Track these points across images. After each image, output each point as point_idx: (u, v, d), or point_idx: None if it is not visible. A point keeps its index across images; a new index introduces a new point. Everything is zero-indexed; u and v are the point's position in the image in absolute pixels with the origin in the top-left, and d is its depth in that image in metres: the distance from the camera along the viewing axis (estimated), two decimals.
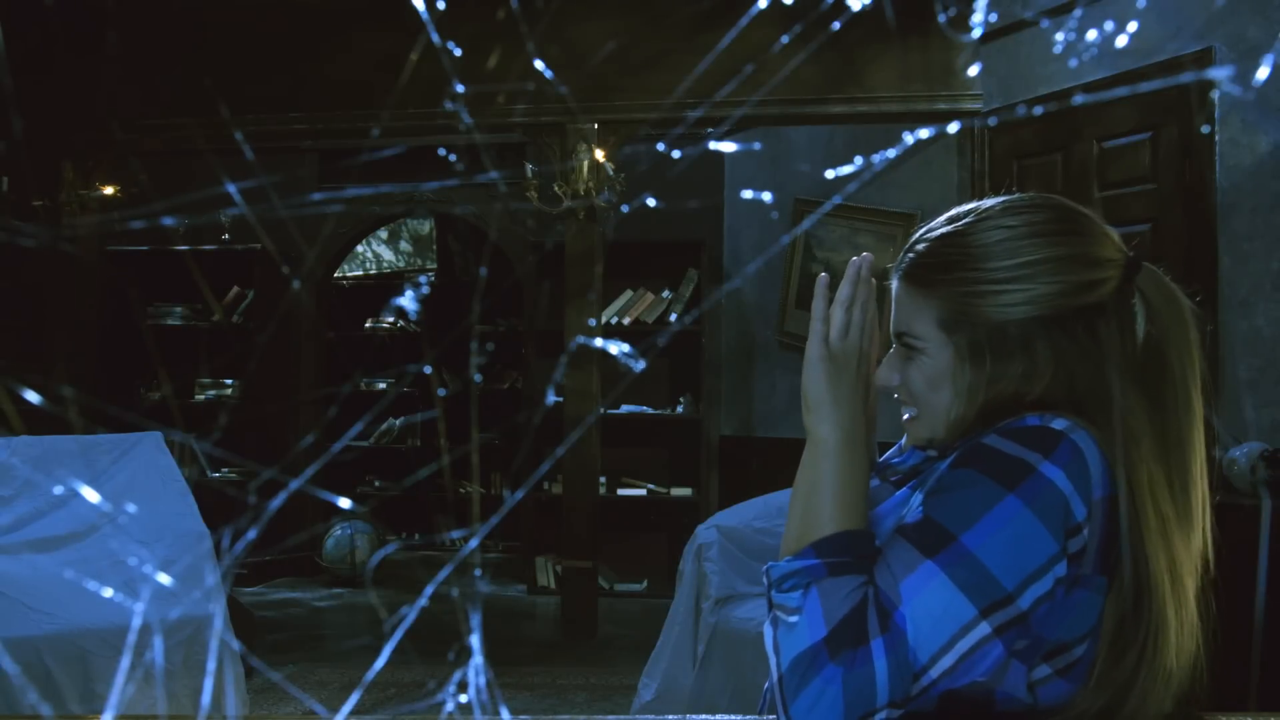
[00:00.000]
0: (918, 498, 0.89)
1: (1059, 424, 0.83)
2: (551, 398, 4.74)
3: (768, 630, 0.82)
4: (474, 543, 0.77)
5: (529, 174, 4.47)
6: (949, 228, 0.92)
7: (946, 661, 0.77)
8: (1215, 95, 3.18)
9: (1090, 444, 0.83)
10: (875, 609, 0.78)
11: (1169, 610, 0.81)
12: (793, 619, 0.80)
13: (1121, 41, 3.34)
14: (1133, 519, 0.81)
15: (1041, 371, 0.87)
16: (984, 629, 0.77)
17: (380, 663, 0.75)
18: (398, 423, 6.86)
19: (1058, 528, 0.79)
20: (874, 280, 0.92)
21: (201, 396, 5.77)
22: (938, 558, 0.79)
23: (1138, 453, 0.82)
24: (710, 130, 4.21)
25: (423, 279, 6.98)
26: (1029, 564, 0.78)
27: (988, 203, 0.93)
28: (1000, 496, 0.79)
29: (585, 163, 4.31)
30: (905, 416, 0.98)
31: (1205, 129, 3.17)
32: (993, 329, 0.88)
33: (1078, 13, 3.51)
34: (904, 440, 1.03)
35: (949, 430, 0.92)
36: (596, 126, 4.35)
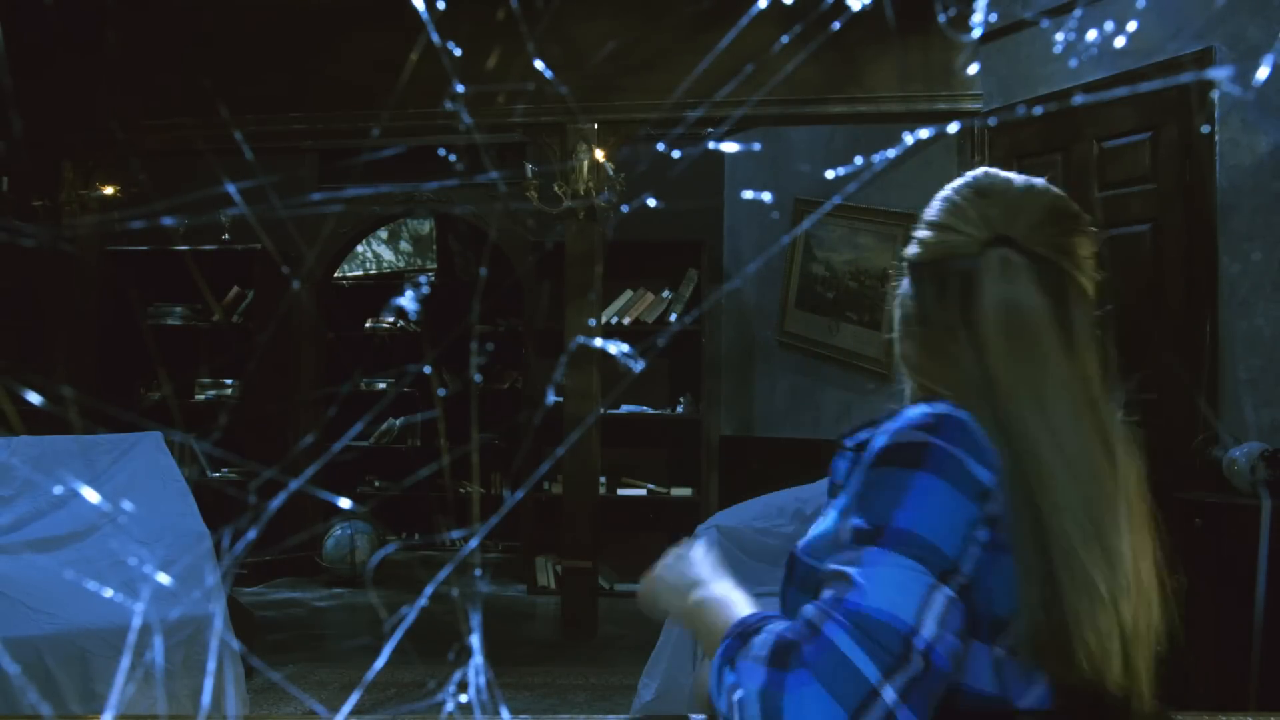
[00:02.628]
0: (842, 499, 0.93)
1: (939, 407, 0.87)
2: (551, 398, 4.74)
3: None
4: (474, 543, 0.77)
5: (529, 174, 4.47)
6: None
7: (931, 620, 0.75)
8: (1215, 95, 3.18)
9: (971, 418, 0.86)
10: (814, 611, 0.76)
11: (1064, 579, 0.82)
12: (737, 694, 0.75)
13: (1121, 42, 3.34)
14: (1022, 483, 0.83)
15: (924, 312, 0.97)
16: (947, 591, 0.77)
17: (380, 663, 0.75)
18: (398, 423, 6.86)
19: (970, 491, 0.82)
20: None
21: (201, 396, 5.77)
22: (880, 542, 0.79)
23: (1003, 412, 0.85)
24: (710, 130, 4.21)
25: (423, 279, 6.98)
26: (958, 529, 0.80)
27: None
28: (912, 476, 0.82)
29: (585, 163, 4.31)
30: None
31: (1205, 129, 3.17)
32: (907, 261, 1.00)
33: (1078, 13, 3.51)
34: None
35: (902, 364, 1.01)
36: (596, 126, 4.35)
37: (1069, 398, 0.86)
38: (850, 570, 0.78)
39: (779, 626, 0.78)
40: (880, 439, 0.87)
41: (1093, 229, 0.95)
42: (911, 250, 0.98)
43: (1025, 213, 0.92)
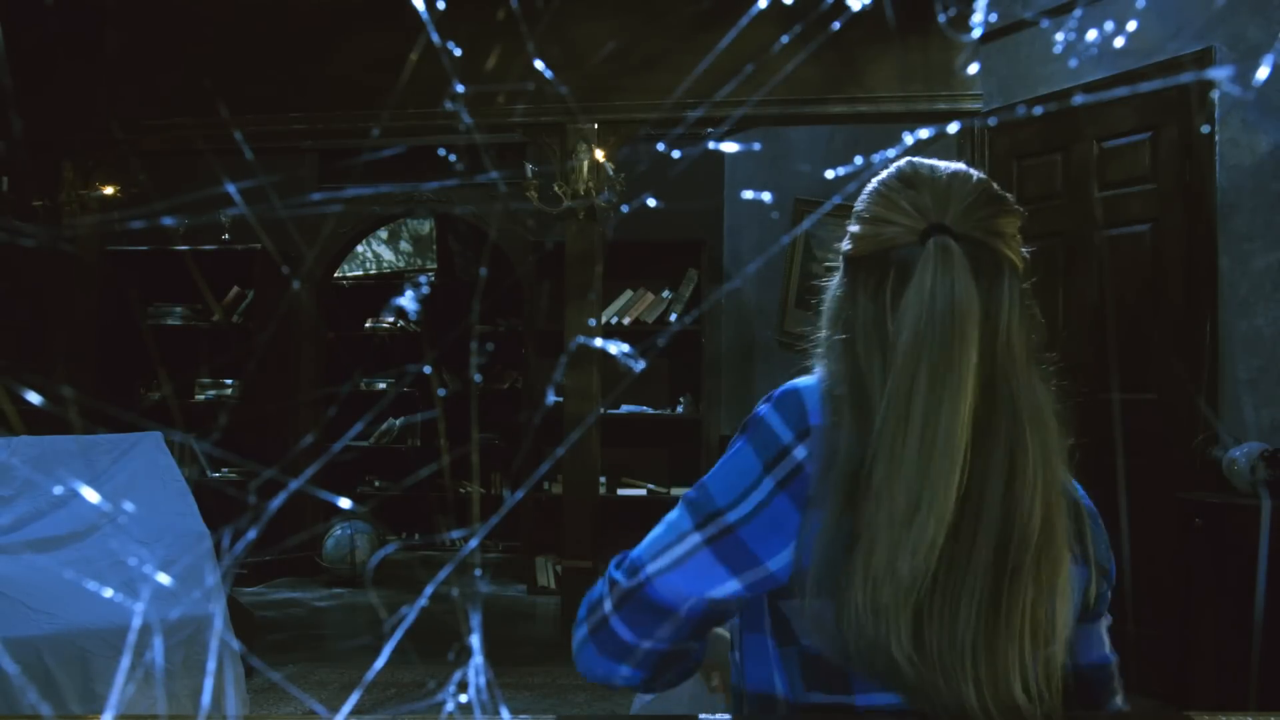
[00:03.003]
0: None
1: (793, 382, 0.95)
2: (551, 398, 4.74)
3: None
4: (474, 543, 0.77)
5: (529, 174, 4.47)
6: None
7: (662, 561, 0.91)
8: (1215, 95, 3.18)
9: (815, 387, 0.93)
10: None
11: (857, 553, 0.84)
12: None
13: (1121, 42, 3.34)
14: (833, 449, 0.88)
15: (853, 308, 0.97)
16: (695, 538, 0.90)
17: (380, 663, 0.75)
18: (398, 423, 6.86)
19: (764, 451, 0.91)
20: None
21: (201, 396, 5.77)
22: (685, 494, 0.95)
23: (838, 389, 0.92)
24: (710, 130, 4.21)
25: (423, 279, 6.98)
26: (739, 484, 0.91)
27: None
28: (734, 442, 0.95)
29: (585, 163, 4.31)
30: None
31: (1205, 129, 3.17)
32: (842, 256, 1.00)
33: (1078, 13, 3.51)
34: None
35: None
36: (596, 126, 4.35)
37: (962, 386, 0.85)
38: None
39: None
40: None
41: (1018, 207, 0.96)
42: (845, 245, 0.98)
43: (955, 198, 0.93)
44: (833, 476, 0.87)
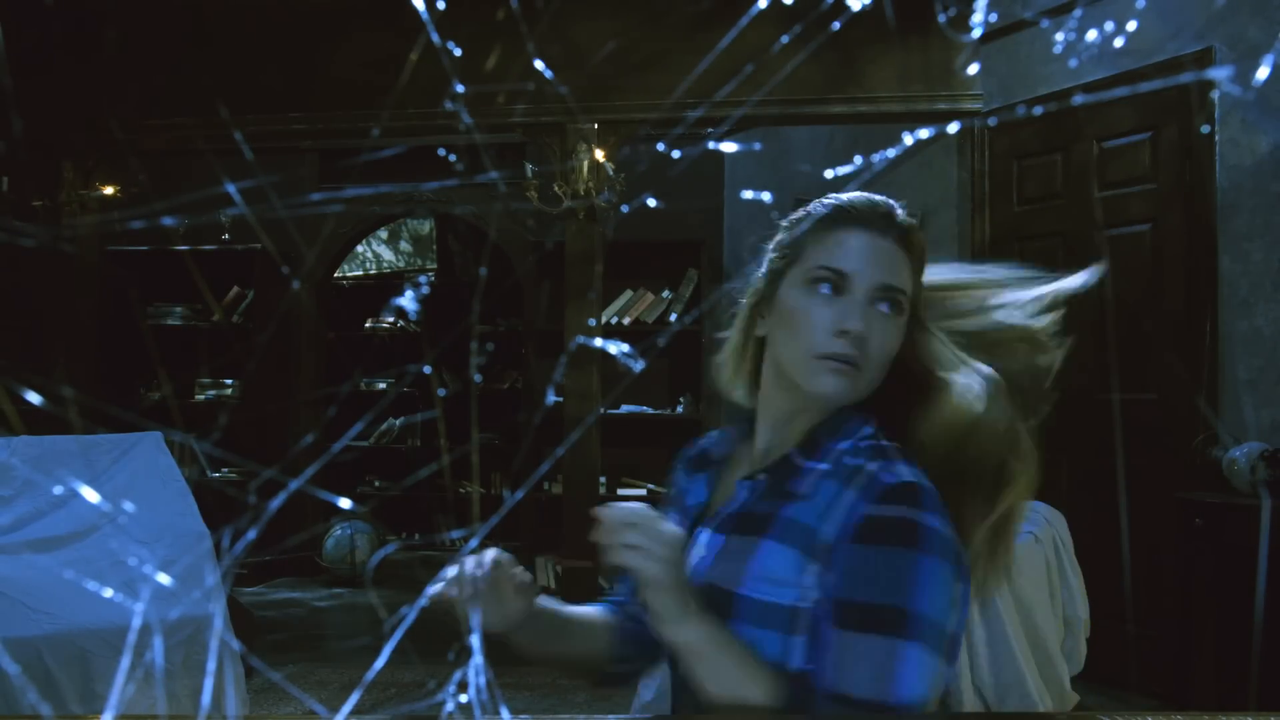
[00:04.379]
0: (776, 551, 0.97)
1: (905, 474, 0.95)
2: (551, 398, 4.73)
3: None
4: (474, 543, 0.77)
5: (529, 174, 4.47)
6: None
7: (932, 693, 0.92)
8: (1215, 95, 3.18)
9: (923, 475, 0.97)
10: (867, 690, 0.89)
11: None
12: None
13: (1121, 42, 3.34)
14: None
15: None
16: (944, 666, 0.93)
17: (380, 663, 0.75)
18: (398, 423, 6.86)
19: (953, 560, 0.94)
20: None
21: (201, 396, 5.77)
22: (904, 633, 0.89)
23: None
24: (710, 130, 4.20)
25: (423, 279, 6.98)
26: (951, 600, 0.93)
27: None
28: (914, 559, 0.91)
29: (585, 163, 4.31)
30: (844, 367, 1.02)
31: (1205, 129, 3.17)
32: None
33: (1078, 13, 3.51)
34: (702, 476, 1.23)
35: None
36: (596, 126, 4.35)
37: None
38: (890, 662, 0.89)
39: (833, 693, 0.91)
40: (869, 507, 0.94)
41: None
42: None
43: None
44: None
